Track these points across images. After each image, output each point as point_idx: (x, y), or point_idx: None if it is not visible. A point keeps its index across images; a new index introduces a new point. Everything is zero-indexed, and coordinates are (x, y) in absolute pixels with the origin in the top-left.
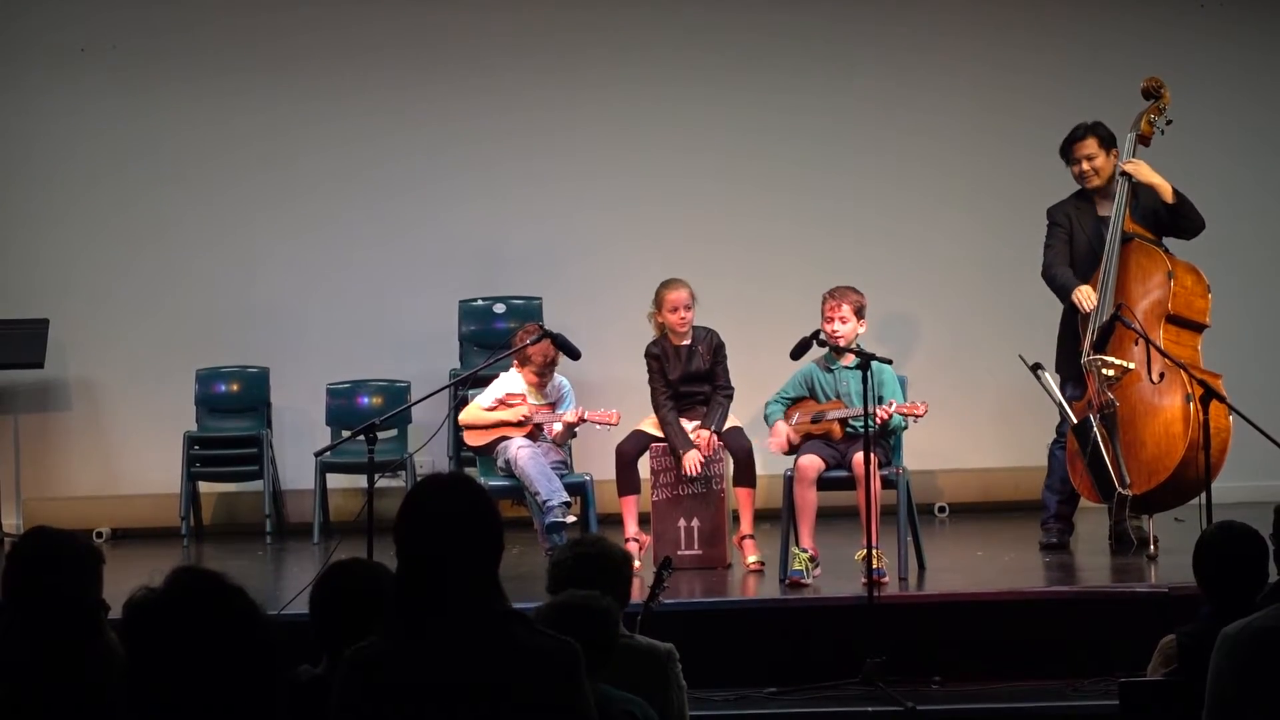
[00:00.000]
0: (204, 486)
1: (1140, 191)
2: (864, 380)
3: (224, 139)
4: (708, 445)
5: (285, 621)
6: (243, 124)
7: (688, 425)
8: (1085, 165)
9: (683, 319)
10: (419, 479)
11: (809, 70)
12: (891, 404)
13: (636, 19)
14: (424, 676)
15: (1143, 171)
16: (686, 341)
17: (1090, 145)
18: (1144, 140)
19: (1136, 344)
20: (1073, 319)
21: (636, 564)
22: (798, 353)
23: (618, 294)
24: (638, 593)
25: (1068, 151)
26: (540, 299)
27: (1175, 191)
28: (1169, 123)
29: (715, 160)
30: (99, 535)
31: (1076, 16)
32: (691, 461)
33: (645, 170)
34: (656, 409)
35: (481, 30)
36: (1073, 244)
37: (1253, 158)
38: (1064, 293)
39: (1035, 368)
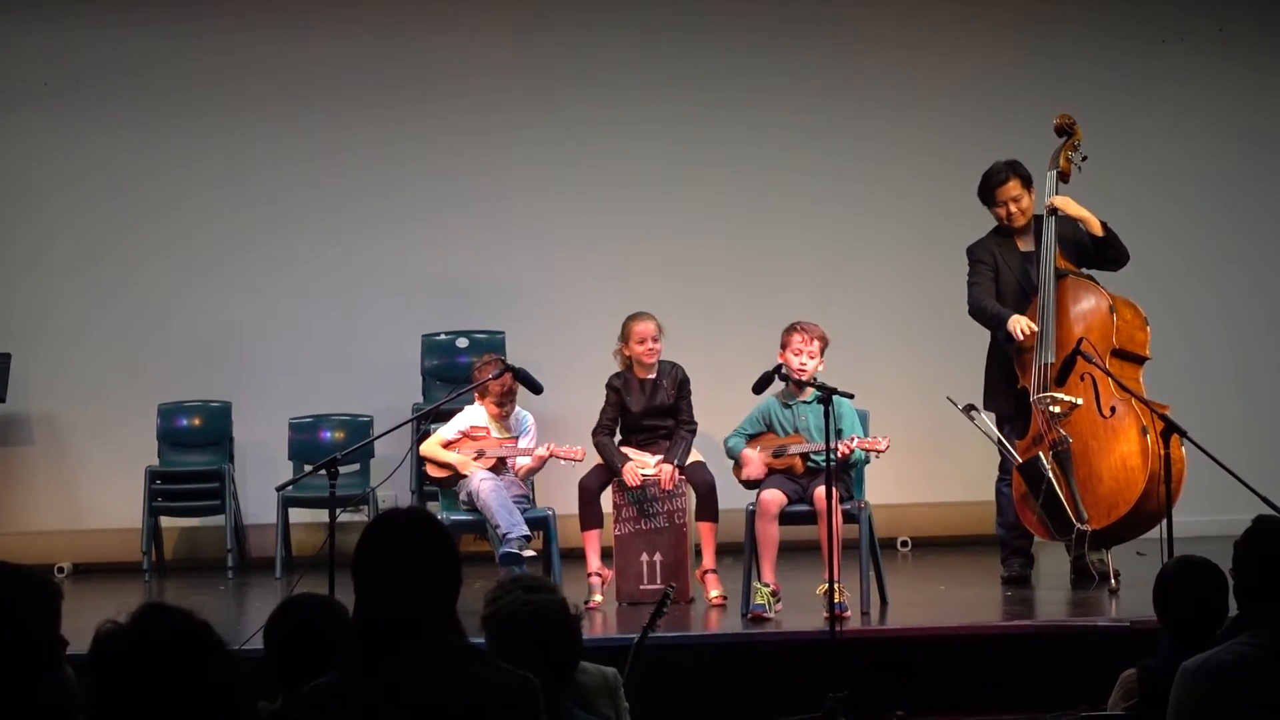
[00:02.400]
0: (165, 521)
1: (1061, 226)
2: (825, 415)
3: (187, 175)
4: (670, 479)
5: (247, 657)
6: (206, 160)
7: (650, 459)
8: (1012, 207)
9: (650, 350)
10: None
11: (770, 109)
12: (854, 439)
13: (601, 60)
14: (382, 713)
15: (1071, 206)
16: (651, 375)
17: (1014, 187)
18: (1064, 177)
19: (1083, 379)
20: (1001, 356)
21: (599, 599)
22: (760, 386)
23: (581, 328)
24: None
25: (989, 195)
26: (504, 333)
27: (1103, 225)
28: (1084, 158)
29: (679, 197)
30: (60, 570)
31: (1038, 56)
32: (630, 472)
33: (609, 206)
34: (594, 433)
35: (447, 68)
36: (999, 281)
37: (1217, 185)
38: (998, 323)
39: (968, 410)
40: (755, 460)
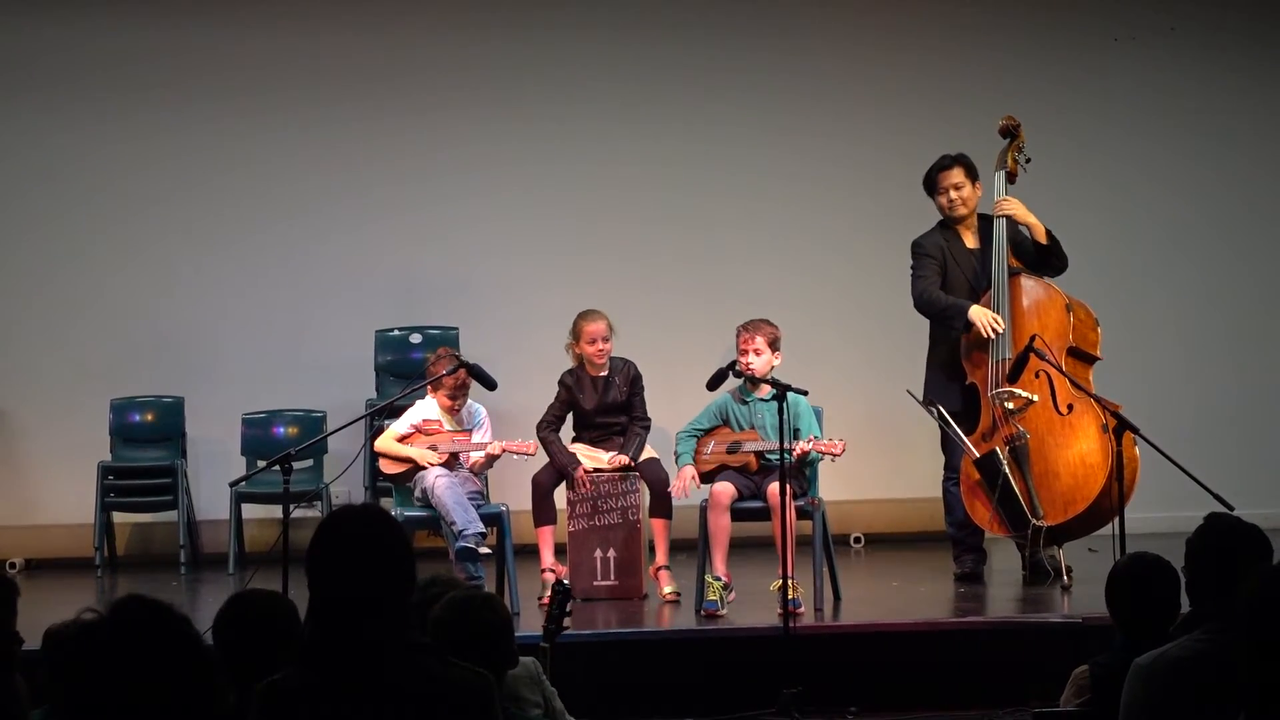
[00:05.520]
0: (118, 517)
1: (1011, 226)
2: (780, 411)
3: (136, 164)
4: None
5: None
6: (159, 155)
7: (603, 455)
8: (953, 194)
9: (600, 350)
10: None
11: (724, 108)
12: (811, 440)
13: (559, 61)
14: (337, 710)
15: (1018, 212)
16: (604, 372)
17: (957, 174)
18: (1011, 178)
19: (1038, 376)
20: (945, 352)
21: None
22: (714, 383)
23: (535, 324)
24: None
25: (933, 182)
26: (457, 329)
27: (1047, 231)
28: (1028, 160)
29: (631, 195)
30: (12, 566)
31: (989, 53)
32: (581, 479)
33: (563, 203)
34: (539, 429)
35: (404, 62)
36: (946, 275)
37: (1168, 182)
38: (956, 314)
39: (929, 403)
40: (684, 481)
